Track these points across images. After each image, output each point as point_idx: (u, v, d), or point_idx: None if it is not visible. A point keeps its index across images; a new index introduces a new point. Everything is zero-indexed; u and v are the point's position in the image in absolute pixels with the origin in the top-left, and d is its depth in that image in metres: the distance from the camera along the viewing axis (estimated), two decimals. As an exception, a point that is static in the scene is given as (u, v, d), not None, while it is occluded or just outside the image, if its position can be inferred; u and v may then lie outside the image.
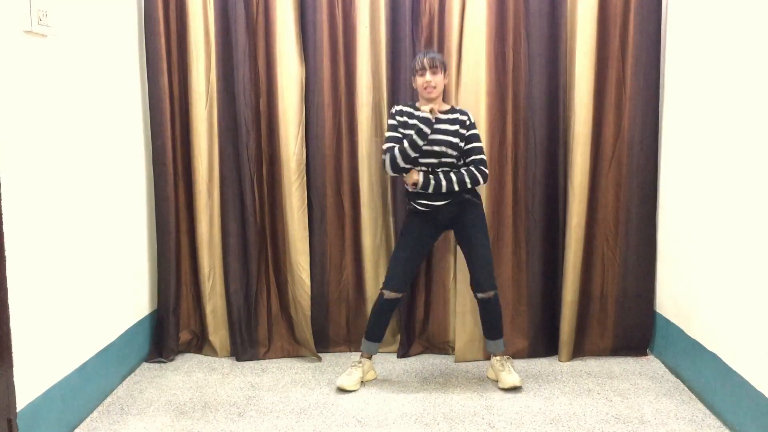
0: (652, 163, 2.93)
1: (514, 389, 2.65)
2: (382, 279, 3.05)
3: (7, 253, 1.89)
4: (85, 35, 2.42)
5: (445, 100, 2.91)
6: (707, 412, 2.44)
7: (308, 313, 2.99)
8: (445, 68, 2.60)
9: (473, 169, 2.59)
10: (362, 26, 2.91)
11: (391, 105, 2.92)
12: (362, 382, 2.72)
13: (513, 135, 2.95)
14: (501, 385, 2.67)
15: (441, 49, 2.89)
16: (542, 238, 3.00)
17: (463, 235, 2.69)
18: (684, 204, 2.71)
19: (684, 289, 2.71)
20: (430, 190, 2.57)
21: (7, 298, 1.89)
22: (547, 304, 3.04)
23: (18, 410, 1.96)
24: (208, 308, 3.06)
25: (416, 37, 2.90)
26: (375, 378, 2.79)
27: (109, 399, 2.60)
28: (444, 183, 2.56)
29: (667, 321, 2.87)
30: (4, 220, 1.88)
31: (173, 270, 3.02)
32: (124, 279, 2.78)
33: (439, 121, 2.58)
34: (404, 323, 3.04)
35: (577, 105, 2.85)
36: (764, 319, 2.08)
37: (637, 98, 2.88)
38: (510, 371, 2.69)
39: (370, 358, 2.77)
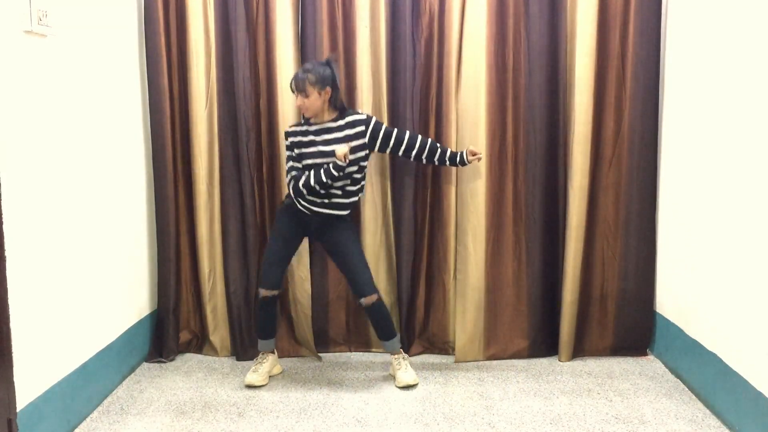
0: (652, 164, 2.93)
1: (408, 387, 2.68)
2: (382, 279, 3.07)
3: (7, 253, 1.89)
4: (85, 35, 2.42)
5: (445, 99, 2.91)
6: (707, 412, 2.44)
7: (308, 312, 2.99)
8: (321, 85, 2.55)
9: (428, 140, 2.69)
10: (362, 26, 2.91)
11: (391, 105, 2.92)
12: (270, 376, 2.79)
13: (513, 135, 2.95)
14: (397, 384, 2.71)
15: (441, 49, 2.89)
16: (542, 238, 3.00)
17: (333, 247, 2.74)
18: (684, 204, 2.71)
19: (684, 290, 2.71)
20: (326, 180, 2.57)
21: (7, 298, 1.89)
22: (547, 304, 3.04)
23: (18, 410, 1.96)
24: (208, 308, 3.06)
25: (416, 37, 2.90)
26: (281, 372, 2.86)
27: (109, 399, 2.60)
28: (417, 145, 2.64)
29: (667, 321, 2.87)
30: (4, 220, 1.88)
31: (173, 270, 3.02)
32: (125, 279, 2.78)
33: (329, 131, 2.62)
34: (404, 323, 3.04)
35: (577, 105, 2.85)
36: (764, 319, 2.08)
37: (637, 98, 2.88)
38: (406, 369, 2.73)
39: (273, 353, 2.83)
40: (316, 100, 2.58)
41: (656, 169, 2.94)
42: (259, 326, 2.80)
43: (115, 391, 2.67)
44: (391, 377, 2.79)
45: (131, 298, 2.86)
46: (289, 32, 2.88)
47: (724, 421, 2.34)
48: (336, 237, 2.71)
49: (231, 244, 3.01)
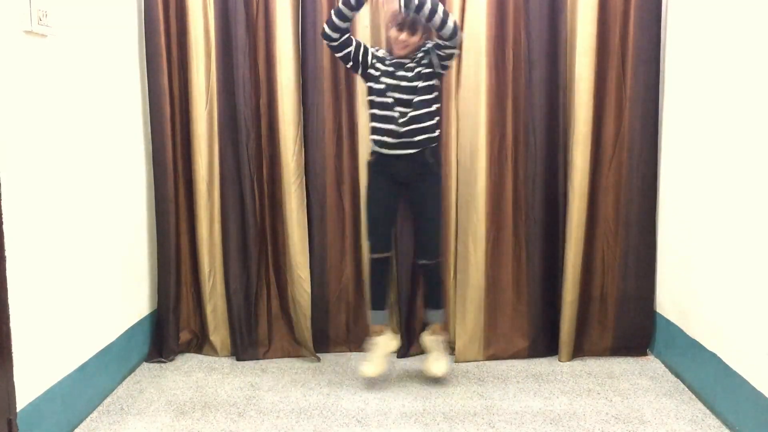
0: (652, 163, 2.93)
1: (436, 379, 2.64)
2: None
3: (7, 253, 1.89)
4: (85, 35, 2.42)
5: (445, 99, 2.91)
6: (707, 412, 2.44)
7: (308, 313, 2.99)
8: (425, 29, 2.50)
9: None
10: (362, 26, 2.91)
11: (391, 105, 2.92)
12: (386, 357, 2.70)
13: (513, 135, 2.95)
14: (424, 368, 2.67)
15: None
16: (542, 238, 3.00)
17: (415, 203, 2.67)
18: (684, 204, 2.71)
19: (684, 289, 2.71)
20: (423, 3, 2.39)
21: (7, 298, 1.89)
22: (547, 304, 3.03)
23: (18, 410, 1.96)
24: (208, 308, 3.06)
25: (416, 36, 2.89)
26: (399, 347, 2.76)
27: (109, 399, 2.60)
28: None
29: (667, 321, 2.87)
30: (4, 220, 1.88)
31: (173, 270, 3.02)
32: (124, 279, 2.78)
33: (402, 68, 2.55)
34: (404, 323, 3.04)
35: (577, 105, 2.85)
36: (764, 319, 2.09)
37: (637, 98, 2.88)
38: (438, 358, 2.68)
39: (381, 333, 2.75)
40: (417, 41, 2.54)
41: (656, 168, 2.94)
42: (371, 293, 2.71)
43: (115, 391, 2.67)
44: (395, 372, 2.76)
45: (131, 298, 2.86)
46: (289, 32, 2.88)
47: (724, 421, 2.34)
48: (423, 191, 2.63)
49: (231, 244, 3.01)
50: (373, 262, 2.71)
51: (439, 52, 2.52)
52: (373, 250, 2.71)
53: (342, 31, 2.52)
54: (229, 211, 3.00)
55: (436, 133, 2.62)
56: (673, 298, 2.82)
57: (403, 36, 2.52)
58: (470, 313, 2.98)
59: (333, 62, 2.96)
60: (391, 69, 2.58)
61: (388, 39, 2.66)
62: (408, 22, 2.48)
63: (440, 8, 2.39)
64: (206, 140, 2.96)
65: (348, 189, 3.04)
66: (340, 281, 3.09)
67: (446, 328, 2.87)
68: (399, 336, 3.08)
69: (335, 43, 2.55)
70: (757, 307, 2.13)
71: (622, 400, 2.56)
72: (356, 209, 3.05)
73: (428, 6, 2.36)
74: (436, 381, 2.69)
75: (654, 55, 2.86)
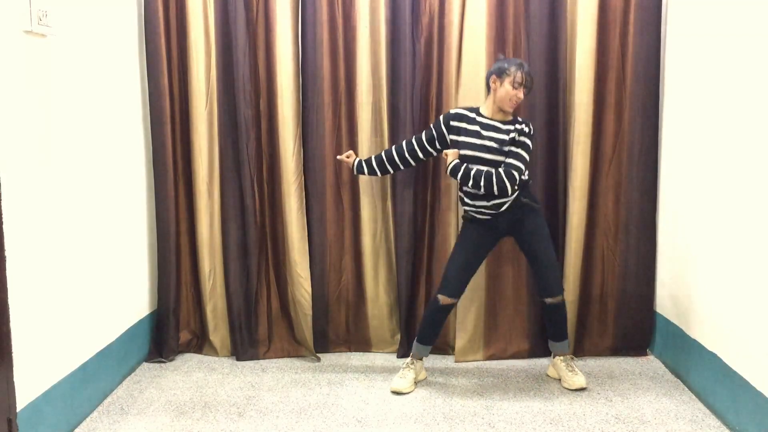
0: (652, 163, 2.93)
1: (581, 390, 2.64)
2: (381, 280, 3.07)
3: (7, 253, 1.89)
4: (85, 35, 2.42)
5: (445, 99, 2.92)
6: (707, 412, 2.44)
7: (308, 313, 2.99)
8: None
9: (501, 169, 2.49)
10: (362, 26, 2.91)
11: (391, 105, 2.92)
12: (415, 382, 2.71)
13: (513, 135, 2.95)
14: (567, 386, 2.67)
15: (441, 49, 2.89)
16: (542, 238, 3.00)
17: (524, 243, 2.68)
18: (684, 204, 2.71)
19: (684, 289, 2.71)
20: (458, 177, 2.52)
21: (7, 298, 1.89)
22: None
23: (18, 410, 1.96)
24: (208, 308, 3.06)
25: (416, 37, 2.90)
26: (425, 378, 2.78)
27: (109, 399, 2.60)
28: (472, 173, 2.49)
29: (667, 321, 2.87)
30: (4, 220, 1.88)
31: (173, 270, 3.02)
32: (124, 279, 2.78)
33: (497, 130, 2.56)
34: (404, 323, 3.04)
35: (577, 105, 2.85)
36: (764, 319, 2.08)
37: (637, 98, 2.88)
38: (576, 371, 2.69)
39: (421, 359, 2.77)
40: (523, 98, 2.55)
41: (656, 168, 2.94)
42: (425, 330, 2.71)
43: (115, 391, 2.67)
44: (550, 378, 2.74)
45: (131, 298, 2.86)
46: (289, 32, 2.88)
47: (724, 421, 2.34)
48: (528, 229, 2.63)
49: (231, 244, 3.01)
50: (440, 306, 2.66)
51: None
52: (446, 293, 2.64)
53: (395, 166, 2.69)
54: (229, 211, 3.00)
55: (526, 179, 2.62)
56: (674, 298, 2.82)
57: (521, 93, 2.52)
58: (471, 313, 2.98)
59: (333, 62, 2.96)
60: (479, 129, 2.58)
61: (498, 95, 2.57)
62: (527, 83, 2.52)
63: (483, 181, 2.47)
64: (206, 140, 2.96)
65: (348, 189, 3.04)
66: (340, 281, 3.09)
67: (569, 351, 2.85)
68: (397, 337, 3.09)
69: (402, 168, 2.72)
70: (757, 307, 2.13)
71: (622, 400, 2.56)
72: (356, 209, 3.05)
73: (471, 183, 2.49)
74: (576, 389, 2.66)
75: (654, 55, 2.86)
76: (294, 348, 3.07)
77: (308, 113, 2.97)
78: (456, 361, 2.98)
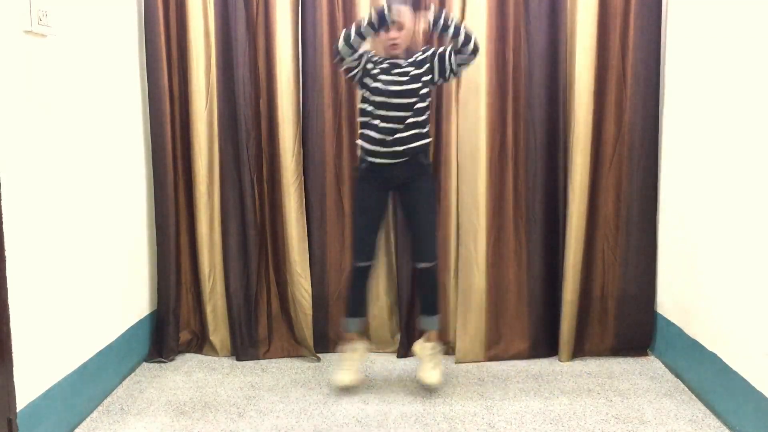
0: (653, 163, 2.93)
1: (429, 388, 2.61)
2: (382, 279, 3.06)
3: (7, 253, 1.89)
4: (85, 35, 2.42)
5: (445, 99, 2.91)
6: (707, 412, 2.44)
7: (308, 312, 2.99)
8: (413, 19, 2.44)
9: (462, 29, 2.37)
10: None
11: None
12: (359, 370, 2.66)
13: (513, 135, 2.95)
14: (420, 375, 2.61)
15: (441, 49, 2.89)
16: (542, 238, 3.00)
17: (411, 203, 2.61)
18: (684, 204, 2.71)
19: (684, 289, 2.71)
20: (450, 23, 2.36)
21: (7, 298, 1.89)
22: (548, 305, 3.03)
23: (18, 410, 1.96)
24: (208, 308, 3.06)
25: (416, 36, 2.90)
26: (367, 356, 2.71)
27: (109, 399, 2.60)
28: (451, 16, 2.37)
29: (667, 321, 2.87)
30: (4, 220, 1.88)
31: (173, 270, 3.02)
32: (124, 279, 2.78)
33: (400, 67, 2.48)
34: (404, 323, 3.04)
35: (577, 105, 2.85)
36: (764, 319, 2.09)
37: (637, 98, 2.88)
38: (435, 366, 2.63)
39: (354, 339, 2.71)
40: (407, 36, 2.46)
41: (657, 168, 2.94)
42: (349, 300, 2.67)
43: (115, 391, 2.67)
44: (387, 376, 2.76)
45: (131, 298, 2.86)
46: (289, 32, 2.88)
47: (724, 421, 2.34)
48: (418, 190, 2.56)
49: (231, 244, 3.01)
50: (357, 270, 2.63)
51: (454, 60, 2.46)
52: (358, 258, 2.62)
53: (355, 51, 2.43)
54: (229, 211, 3.01)
55: (430, 137, 2.61)
56: (674, 298, 2.82)
57: (393, 33, 2.45)
58: (472, 314, 2.97)
59: (333, 63, 2.96)
60: (385, 69, 2.51)
61: (374, 42, 2.54)
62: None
63: (464, 27, 2.39)
64: (206, 140, 2.96)
65: (347, 189, 3.04)
66: (340, 281, 3.09)
67: (441, 335, 2.82)
68: (398, 337, 3.09)
69: (351, 64, 2.47)
70: (757, 307, 2.13)
71: (622, 400, 2.56)
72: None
73: (453, 26, 2.36)
74: (428, 388, 2.65)
75: (654, 55, 2.86)
76: (294, 348, 3.07)
77: (309, 114, 2.97)
78: (456, 362, 2.97)
